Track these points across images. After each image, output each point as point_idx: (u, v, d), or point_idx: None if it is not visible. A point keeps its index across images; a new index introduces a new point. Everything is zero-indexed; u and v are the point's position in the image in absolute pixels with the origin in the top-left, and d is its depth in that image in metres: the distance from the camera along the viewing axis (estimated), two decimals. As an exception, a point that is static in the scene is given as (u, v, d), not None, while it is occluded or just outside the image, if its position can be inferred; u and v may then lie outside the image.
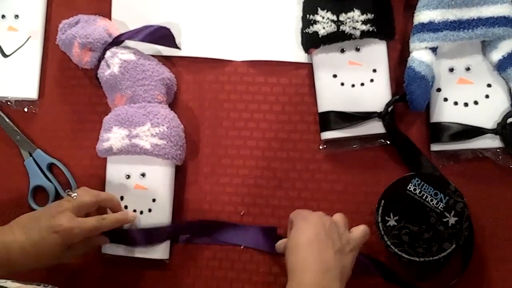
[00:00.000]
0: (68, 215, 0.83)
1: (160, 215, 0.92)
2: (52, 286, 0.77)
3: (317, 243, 0.76)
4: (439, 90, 0.88)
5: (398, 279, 0.87)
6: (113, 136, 0.91)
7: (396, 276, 0.87)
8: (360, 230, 0.81)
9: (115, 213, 0.90)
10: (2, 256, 0.79)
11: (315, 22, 0.89)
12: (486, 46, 0.87)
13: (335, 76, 0.90)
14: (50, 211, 0.83)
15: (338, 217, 0.82)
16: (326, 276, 0.73)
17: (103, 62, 0.94)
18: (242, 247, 0.93)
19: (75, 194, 0.86)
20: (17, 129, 1.00)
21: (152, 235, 0.92)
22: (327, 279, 0.73)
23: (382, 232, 0.83)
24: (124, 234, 0.92)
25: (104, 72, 0.93)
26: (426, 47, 0.86)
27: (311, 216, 0.80)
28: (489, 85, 0.86)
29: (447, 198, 0.82)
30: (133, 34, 0.95)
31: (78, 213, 0.84)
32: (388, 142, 0.90)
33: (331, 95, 0.90)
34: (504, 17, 0.84)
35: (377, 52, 0.90)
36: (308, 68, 0.94)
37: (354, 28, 0.87)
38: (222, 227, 0.93)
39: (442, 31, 0.85)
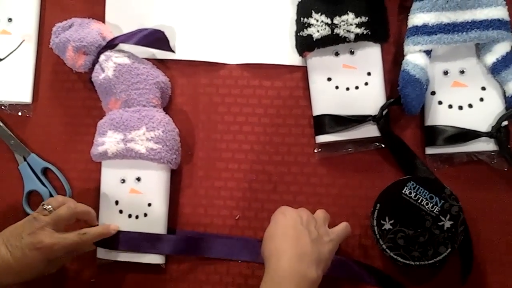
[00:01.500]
0: (48, 231, 0.83)
1: (155, 220, 0.92)
2: None
3: (293, 231, 0.77)
4: (433, 93, 0.88)
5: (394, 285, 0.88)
6: (108, 140, 0.91)
7: (393, 282, 0.88)
8: (340, 225, 0.84)
9: (96, 227, 0.90)
10: None
11: (309, 25, 0.89)
12: (480, 49, 0.87)
13: (329, 79, 0.90)
14: (30, 226, 0.83)
15: (319, 212, 0.84)
16: (302, 261, 0.74)
17: (97, 66, 0.94)
18: (239, 261, 0.93)
19: (50, 206, 0.86)
20: (11, 134, 0.99)
21: (145, 243, 0.92)
22: (303, 265, 0.74)
23: (378, 235, 0.83)
24: (115, 238, 0.92)
25: (98, 76, 0.93)
26: (420, 50, 0.86)
27: (288, 211, 0.81)
28: (483, 88, 0.86)
29: (442, 201, 0.82)
30: (127, 38, 0.94)
31: (57, 228, 0.85)
32: (383, 146, 0.90)
33: (326, 98, 0.90)
34: (498, 19, 0.84)
35: (371, 55, 0.90)
36: (303, 71, 0.93)
37: (348, 31, 0.87)
38: (219, 242, 0.93)
39: (436, 34, 0.85)
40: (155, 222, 0.92)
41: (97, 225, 0.92)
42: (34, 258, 0.81)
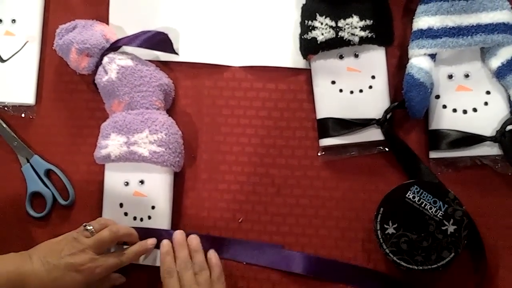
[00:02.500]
0: (89, 254, 0.83)
1: (160, 222, 0.92)
2: None
3: None
4: (438, 97, 0.87)
5: None
6: (111, 143, 0.91)
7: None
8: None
9: (134, 246, 0.89)
10: (16, 285, 0.79)
11: (313, 28, 0.88)
12: (485, 53, 0.86)
13: (333, 82, 0.90)
14: (71, 247, 0.83)
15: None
16: None
17: (100, 68, 0.94)
18: (244, 263, 0.93)
19: (92, 227, 0.86)
20: (15, 135, 0.99)
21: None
22: None
23: (381, 240, 0.83)
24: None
25: (102, 78, 0.93)
26: (425, 54, 0.85)
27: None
28: (488, 92, 0.86)
29: (446, 206, 0.82)
30: (130, 40, 0.94)
31: (98, 251, 0.85)
32: (387, 149, 0.90)
33: (330, 101, 0.90)
34: (504, 23, 0.84)
35: (376, 59, 0.89)
36: (307, 74, 0.93)
37: (353, 34, 0.87)
38: (224, 243, 0.93)
39: (441, 38, 0.85)
40: (159, 224, 0.92)
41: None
42: (73, 280, 0.82)
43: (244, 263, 0.92)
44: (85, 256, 0.83)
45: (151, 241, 0.90)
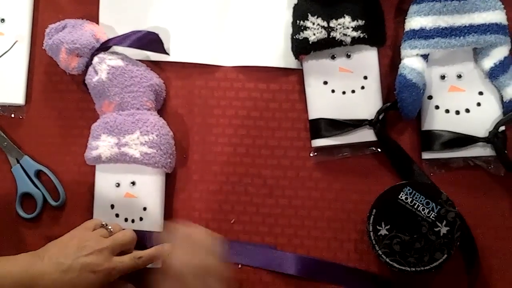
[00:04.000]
0: (106, 254, 0.81)
1: (151, 223, 0.91)
2: None
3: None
4: (430, 97, 0.87)
5: None
6: (102, 144, 0.90)
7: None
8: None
9: (150, 250, 0.87)
10: (25, 286, 0.77)
11: (305, 28, 0.88)
12: (478, 54, 0.86)
13: (325, 83, 0.90)
14: (87, 247, 0.81)
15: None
16: None
17: (90, 68, 0.93)
18: (240, 266, 0.92)
19: (111, 227, 0.86)
20: (4, 135, 0.98)
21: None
22: None
23: (373, 241, 0.83)
24: None
25: (92, 79, 0.92)
26: (417, 54, 0.85)
27: None
28: (480, 93, 0.86)
29: (438, 207, 0.82)
30: (121, 40, 0.93)
31: (114, 253, 0.83)
32: (379, 150, 0.89)
33: (322, 102, 0.90)
34: (496, 24, 0.83)
35: (368, 59, 0.89)
36: (299, 74, 0.93)
37: (345, 34, 0.86)
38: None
39: (433, 38, 0.84)
40: (151, 226, 0.91)
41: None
42: (88, 281, 0.79)
43: (239, 265, 0.92)
44: (102, 256, 0.81)
45: (168, 246, 0.86)
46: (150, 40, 0.94)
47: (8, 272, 0.77)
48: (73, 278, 0.78)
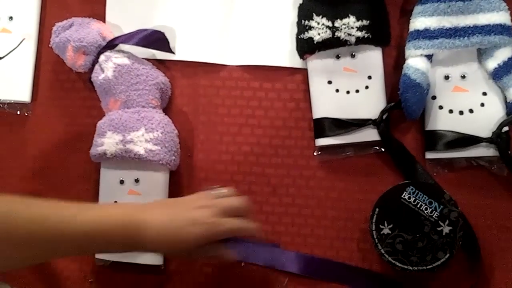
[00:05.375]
0: (214, 211, 0.78)
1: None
2: None
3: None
4: (434, 97, 0.87)
5: None
6: (107, 141, 0.91)
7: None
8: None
9: (252, 222, 0.81)
10: (129, 229, 0.74)
11: (310, 28, 0.88)
12: (482, 54, 0.86)
13: (330, 82, 0.90)
14: (200, 201, 0.79)
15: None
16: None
17: (97, 66, 0.93)
18: (242, 264, 0.92)
19: (225, 191, 0.83)
20: None
21: None
22: None
23: (376, 240, 0.83)
24: None
25: (98, 76, 0.93)
26: (421, 54, 0.85)
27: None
28: (484, 94, 0.86)
29: (441, 207, 0.82)
30: (127, 38, 0.94)
31: (222, 213, 0.79)
32: (383, 150, 0.90)
33: (326, 101, 0.90)
34: (500, 25, 0.84)
35: (372, 59, 0.89)
36: (303, 74, 0.93)
37: (349, 34, 0.87)
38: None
39: (437, 39, 0.85)
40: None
41: None
42: (196, 231, 0.76)
43: (242, 263, 0.92)
44: (209, 212, 0.77)
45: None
46: (156, 39, 0.95)
47: (111, 215, 0.75)
48: (178, 228, 0.76)
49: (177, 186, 0.95)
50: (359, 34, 0.87)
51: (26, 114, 1.00)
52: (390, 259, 0.82)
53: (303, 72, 0.93)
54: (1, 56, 1.01)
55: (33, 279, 0.95)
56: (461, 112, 0.86)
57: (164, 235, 0.75)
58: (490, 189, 0.87)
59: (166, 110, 0.96)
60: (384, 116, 0.87)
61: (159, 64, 0.97)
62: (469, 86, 0.87)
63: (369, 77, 0.89)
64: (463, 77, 0.87)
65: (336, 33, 0.87)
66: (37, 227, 0.69)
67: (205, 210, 0.78)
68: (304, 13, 0.89)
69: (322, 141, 0.90)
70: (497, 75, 0.84)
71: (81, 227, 0.72)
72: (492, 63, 0.85)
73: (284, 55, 0.94)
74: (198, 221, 0.76)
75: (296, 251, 0.91)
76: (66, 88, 1.00)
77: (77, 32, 0.93)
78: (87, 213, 0.74)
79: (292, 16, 0.93)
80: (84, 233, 0.72)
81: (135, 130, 0.90)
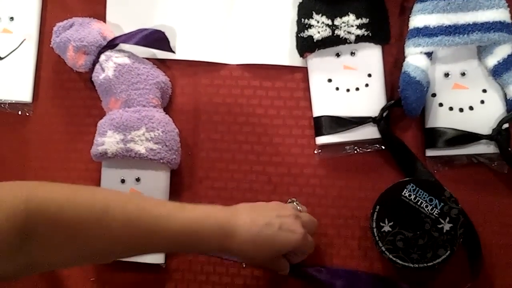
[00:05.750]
0: (300, 222, 0.79)
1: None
2: None
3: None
4: (434, 95, 0.87)
5: None
6: (108, 140, 0.91)
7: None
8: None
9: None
10: (228, 234, 0.75)
11: (310, 26, 0.88)
12: (481, 51, 0.86)
13: (330, 80, 0.90)
14: (285, 209, 0.80)
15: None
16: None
17: (97, 66, 0.94)
18: (244, 265, 0.92)
19: (300, 207, 0.85)
20: None
21: None
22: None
23: (377, 237, 0.83)
24: None
25: (99, 76, 0.93)
26: (421, 52, 0.85)
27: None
28: (484, 91, 0.86)
29: (442, 204, 0.82)
30: (127, 38, 0.94)
31: (304, 225, 0.80)
32: (383, 147, 0.90)
33: (326, 99, 0.90)
34: (500, 22, 0.84)
35: (372, 57, 0.90)
36: (303, 72, 0.93)
37: (349, 32, 0.87)
38: None
39: (437, 36, 0.85)
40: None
41: None
42: (288, 239, 0.77)
43: (244, 265, 0.92)
44: (297, 223, 0.78)
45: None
46: (156, 38, 0.95)
47: (214, 216, 0.75)
48: (274, 233, 0.76)
49: (178, 185, 0.95)
50: (359, 32, 0.87)
51: (27, 114, 1.01)
52: (391, 256, 0.82)
53: (303, 70, 0.93)
54: (2, 56, 1.01)
55: (34, 277, 0.96)
56: (461, 109, 0.86)
57: (252, 240, 0.76)
58: (491, 186, 0.87)
59: (167, 109, 0.96)
60: (384, 114, 0.87)
61: (160, 63, 0.97)
62: (469, 83, 0.87)
63: (369, 75, 0.89)
64: (463, 74, 0.87)
65: (336, 31, 0.87)
66: (132, 225, 0.70)
67: (294, 220, 0.79)
68: (304, 12, 0.90)
69: (322, 139, 0.90)
70: (497, 72, 0.85)
71: (178, 226, 0.72)
72: (492, 60, 0.85)
73: (284, 53, 0.94)
74: (291, 228, 0.77)
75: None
76: (67, 87, 1.00)
77: (78, 32, 0.93)
78: (184, 211, 0.74)
79: (292, 14, 0.93)
80: (181, 232, 0.72)
81: (136, 129, 0.90)
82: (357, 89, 0.89)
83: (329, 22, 0.88)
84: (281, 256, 0.81)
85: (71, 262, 0.74)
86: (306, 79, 0.93)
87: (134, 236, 0.70)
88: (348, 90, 0.89)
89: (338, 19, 0.87)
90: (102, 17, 0.99)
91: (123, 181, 0.93)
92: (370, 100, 0.89)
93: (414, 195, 0.83)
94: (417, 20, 0.86)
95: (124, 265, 0.93)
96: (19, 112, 1.01)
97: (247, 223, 0.76)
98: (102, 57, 0.93)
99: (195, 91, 0.97)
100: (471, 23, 0.84)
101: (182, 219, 0.73)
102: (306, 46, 0.89)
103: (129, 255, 0.80)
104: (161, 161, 0.90)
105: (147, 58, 0.96)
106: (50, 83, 1.01)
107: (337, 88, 0.90)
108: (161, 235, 0.71)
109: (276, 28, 0.95)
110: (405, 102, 0.85)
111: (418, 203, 0.83)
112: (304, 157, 0.93)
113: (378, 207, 0.84)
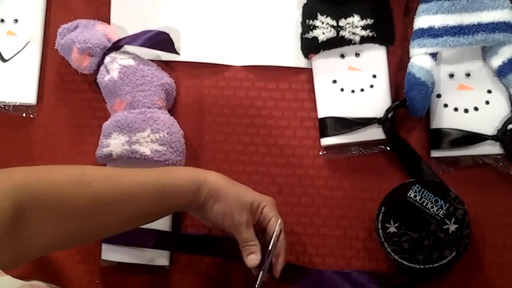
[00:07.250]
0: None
1: (161, 222, 0.91)
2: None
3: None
4: (439, 96, 0.87)
5: None
6: (113, 142, 0.91)
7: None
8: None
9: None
10: (198, 186, 0.79)
11: (314, 27, 0.89)
12: (486, 52, 0.86)
13: (334, 81, 0.90)
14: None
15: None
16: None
17: (102, 67, 0.94)
18: (210, 227, 0.92)
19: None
20: None
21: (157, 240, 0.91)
22: None
23: (382, 239, 0.83)
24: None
25: (104, 78, 0.93)
26: (426, 53, 0.85)
27: None
28: (489, 91, 0.86)
29: (447, 205, 0.82)
30: (132, 39, 0.95)
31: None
32: (388, 148, 0.90)
33: (331, 100, 0.90)
34: (505, 22, 0.83)
35: (377, 58, 0.90)
36: (308, 74, 0.93)
37: (354, 33, 0.87)
38: (224, 242, 0.92)
39: (442, 37, 0.85)
40: (160, 224, 0.91)
41: None
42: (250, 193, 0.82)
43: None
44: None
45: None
46: (160, 40, 0.95)
47: (182, 174, 0.80)
48: (241, 185, 0.82)
49: (183, 187, 0.95)
50: (364, 33, 0.87)
51: (32, 116, 1.01)
52: (396, 257, 0.82)
53: (308, 71, 0.93)
54: (7, 58, 1.01)
55: (39, 280, 0.96)
56: (466, 110, 0.86)
57: (226, 188, 0.80)
58: (496, 187, 0.87)
59: (172, 110, 0.96)
60: (389, 115, 0.87)
61: (164, 65, 0.97)
62: (474, 84, 0.87)
63: (374, 76, 0.89)
64: (468, 75, 0.87)
65: (340, 32, 0.88)
66: (111, 182, 0.74)
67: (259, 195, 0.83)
68: (309, 13, 0.90)
69: (327, 141, 0.90)
70: (501, 72, 0.84)
71: (153, 178, 0.77)
72: (497, 61, 0.85)
73: (289, 55, 0.94)
74: (256, 201, 0.81)
75: (302, 250, 0.91)
76: (72, 89, 1.00)
77: (82, 34, 0.93)
78: (159, 171, 0.79)
79: (296, 15, 0.93)
80: (157, 185, 0.77)
81: (140, 131, 0.90)
82: (362, 90, 0.89)
83: (334, 23, 0.88)
84: (249, 224, 0.81)
85: (66, 238, 0.73)
86: (310, 80, 0.93)
87: (114, 195, 0.73)
88: (353, 91, 0.89)
89: (343, 20, 0.87)
90: (106, 19, 0.99)
91: (128, 182, 0.93)
92: (375, 101, 0.89)
93: (420, 196, 0.83)
94: (422, 20, 0.86)
95: (129, 268, 0.93)
96: (24, 114, 1.01)
97: (216, 175, 0.81)
98: (107, 58, 0.93)
99: (200, 93, 0.97)
100: (475, 23, 0.84)
101: (158, 173, 0.78)
102: (310, 47, 0.89)
103: (115, 220, 0.76)
104: (166, 162, 0.89)
105: (151, 60, 0.96)
106: (55, 85, 1.01)
107: (342, 89, 0.90)
108: (139, 189, 0.75)
109: (281, 29, 0.95)
110: (410, 103, 0.85)
111: (424, 204, 0.82)
112: (309, 158, 0.93)
113: (383, 208, 0.84)
